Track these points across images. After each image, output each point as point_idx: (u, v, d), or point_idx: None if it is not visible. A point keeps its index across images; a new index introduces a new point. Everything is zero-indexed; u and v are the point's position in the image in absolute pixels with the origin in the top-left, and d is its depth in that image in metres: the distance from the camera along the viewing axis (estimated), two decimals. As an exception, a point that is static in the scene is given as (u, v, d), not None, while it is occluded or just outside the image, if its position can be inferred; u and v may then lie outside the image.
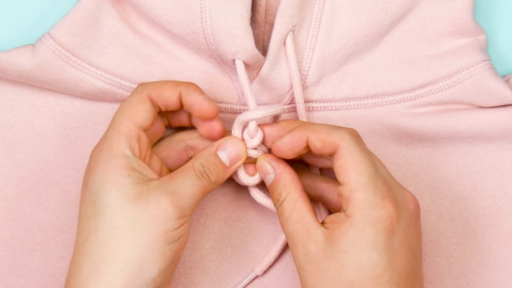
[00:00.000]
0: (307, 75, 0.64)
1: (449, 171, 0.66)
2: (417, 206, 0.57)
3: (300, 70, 0.63)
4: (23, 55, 0.62)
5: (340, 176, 0.56)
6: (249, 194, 0.63)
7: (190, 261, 0.65)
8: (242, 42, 0.60)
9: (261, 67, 0.63)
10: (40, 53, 0.62)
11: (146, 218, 0.55)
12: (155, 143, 0.62)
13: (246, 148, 0.60)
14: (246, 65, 0.61)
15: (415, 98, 0.65)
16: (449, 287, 0.65)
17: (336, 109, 0.65)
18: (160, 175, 0.60)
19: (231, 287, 0.65)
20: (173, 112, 0.61)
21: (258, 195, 0.62)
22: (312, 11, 0.63)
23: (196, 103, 0.59)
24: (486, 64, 0.64)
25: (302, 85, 0.64)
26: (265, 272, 0.65)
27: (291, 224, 0.57)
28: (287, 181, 0.59)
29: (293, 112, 0.65)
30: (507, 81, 0.66)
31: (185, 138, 0.62)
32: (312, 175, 0.63)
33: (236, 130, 0.61)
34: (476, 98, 0.64)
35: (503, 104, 0.64)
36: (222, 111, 0.64)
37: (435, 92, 0.65)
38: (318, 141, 0.57)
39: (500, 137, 0.65)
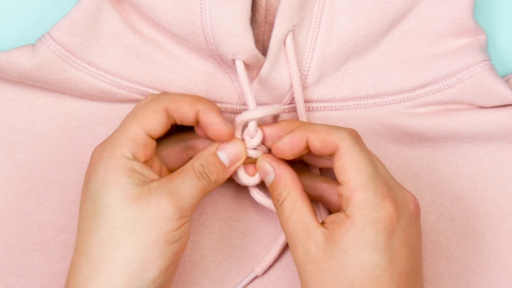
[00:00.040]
0: (307, 75, 0.64)
1: (449, 171, 0.66)
2: (417, 206, 0.57)
3: (300, 70, 0.63)
4: (23, 55, 0.62)
5: (340, 176, 0.56)
6: (249, 194, 0.63)
7: (190, 261, 0.65)
8: (242, 42, 0.60)
9: (261, 67, 0.63)
10: (40, 53, 0.62)
11: (147, 219, 0.55)
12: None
13: (246, 148, 0.61)
14: (246, 65, 0.61)
15: (415, 98, 0.65)
16: (449, 287, 0.65)
17: (336, 109, 0.65)
18: (160, 175, 0.60)
19: (231, 287, 0.65)
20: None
21: (258, 195, 0.62)
22: (312, 11, 0.63)
23: (213, 124, 0.59)
24: (486, 64, 0.64)
25: (302, 85, 0.64)
26: (265, 272, 0.65)
27: (291, 224, 0.57)
28: (287, 181, 0.59)
29: (293, 112, 0.65)
30: (507, 81, 0.66)
31: (185, 138, 0.62)
32: (312, 175, 0.63)
33: (236, 130, 0.61)
34: (476, 98, 0.64)
35: (503, 104, 0.64)
36: (222, 111, 0.64)
37: (435, 92, 0.65)
38: (318, 142, 0.57)
39: (500, 137, 0.65)
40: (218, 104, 0.64)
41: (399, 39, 0.64)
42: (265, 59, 0.62)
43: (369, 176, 0.55)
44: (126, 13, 0.64)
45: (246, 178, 0.61)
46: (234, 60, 0.61)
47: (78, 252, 0.56)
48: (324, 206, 0.63)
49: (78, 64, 0.62)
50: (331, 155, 0.58)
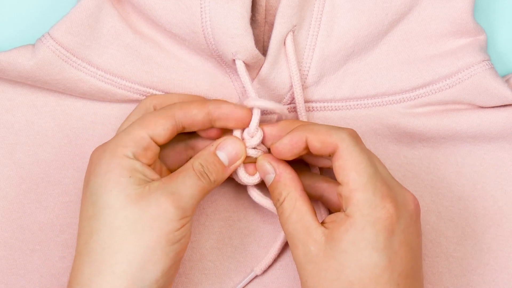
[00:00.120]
0: (307, 75, 0.64)
1: (449, 171, 0.66)
2: (417, 206, 0.57)
3: (300, 70, 0.63)
4: (23, 55, 0.62)
5: (339, 177, 0.56)
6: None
7: (190, 261, 0.65)
8: (242, 42, 0.60)
9: (261, 67, 0.63)
10: (40, 53, 0.62)
11: (147, 219, 0.55)
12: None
13: (245, 147, 0.61)
14: (246, 65, 0.61)
15: (415, 98, 0.65)
16: (449, 287, 0.65)
17: (336, 109, 0.65)
18: (160, 175, 0.60)
19: (231, 287, 0.65)
20: None
21: (256, 195, 0.62)
22: (312, 11, 0.63)
23: (230, 112, 0.59)
24: (486, 64, 0.64)
25: (302, 85, 0.64)
26: (265, 272, 0.65)
27: (291, 224, 0.57)
28: (287, 180, 0.59)
29: (293, 112, 0.65)
30: (507, 81, 0.66)
31: (184, 138, 0.62)
32: (312, 175, 0.63)
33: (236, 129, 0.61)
34: (476, 98, 0.64)
35: (503, 104, 0.64)
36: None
37: (435, 92, 0.65)
38: (318, 142, 0.57)
39: (500, 137, 0.65)
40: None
41: (399, 39, 0.64)
42: (265, 59, 0.62)
43: (368, 176, 0.55)
44: (126, 13, 0.64)
45: (246, 177, 0.61)
46: (234, 60, 0.61)
47: (80, 253, 0.56)
48: (324, 205, 0.63)
49: (78, 64, 0.62)
50: (330, 155, 0.58)
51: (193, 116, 0.59)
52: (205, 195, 0.58)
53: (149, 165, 0.58)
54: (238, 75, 0.63)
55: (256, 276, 0.65)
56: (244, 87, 0.63)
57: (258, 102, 0.60)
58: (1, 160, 0.64)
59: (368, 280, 0.54)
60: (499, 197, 0.65)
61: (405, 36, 0.64)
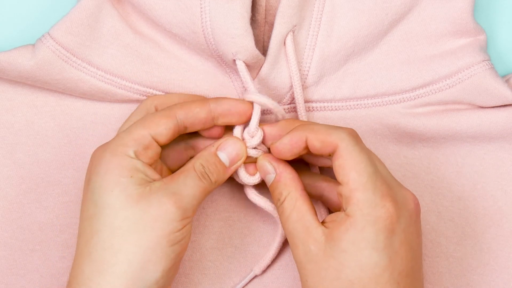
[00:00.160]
0: (307, 75, 0.64)
1: (449, 171, 0.66)
2: (417, 205, 0.57)
3: (300, 70, 0.63)
4: (23, 55, 0.62)
5: (339, 176, 0.56)
6: (250, 194, 0.63)
7: (190, 261, 0.65)
8: (242, 42, 0.60)
9: (261, 67, 0.63)
10: (40, 53, 0.62)
11: (149, 219, 0.55)
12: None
13: (246, 147, 0.61)
14: (246, 65, 0.61)
15: (415, 98, 0.65)
16: (449, 287, 0.65)
17: (336, 109, 0.65)
18: (161, 174, 0.60)
19: (231, 287, 0.65)
20: None
21: (252, 194, 0.62)
22: (312, 11, 0.63)
23: (232, 107, 0.60)
24: (486, 64, 0.64)
25: (302, 85, 0.64)
26: (265, 272, 0.65)
27: (291, 223, 0.57)
28: (287, 180, 0.59)
29: (293, 112, 0.65)
30: (507, 81, 0.66)
31: (185, 137, 0.62)
32: (312, 174, 0.63)
33: (236, 129, 0.61)
34: (476, 98, 0.64)
35: (503, 104, 0.64)
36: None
37: (435, 92, 0.65)
38: (317, 142, 0.57)
39: (500, 137, 0.65)
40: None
41: (399, 39, 0.64)
42: (265, 59, 0.62)
43: (368, 175, 0.55)
44: (126, 13, 0.64)
45: (246, 177, 0.61)
46: (234, 60, 0.61)
47: (80, 252, 0.56)
48: (324, 205, 0.63)
49: (78, 64, 0.62)
50: (330, 155, 0.58)
51: (195, 115, 0.59)
52: (206, 195, 0.58)
53: (150, 165, 0.58)
54: (238, 75, 0.63)
55: (256, 276, 0.65)
56: (244, 86, 0.63)
57: (258, 97, 0.60)
58: (1, 160, 0.64)
59: (368, 279, 0.54)
60: (499, 197, 0.65)
61: (405, 36, 0.64)
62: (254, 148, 0.61)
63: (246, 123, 0.61)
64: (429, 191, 0.66)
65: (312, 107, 0.65)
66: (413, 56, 0.65)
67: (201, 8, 0.60)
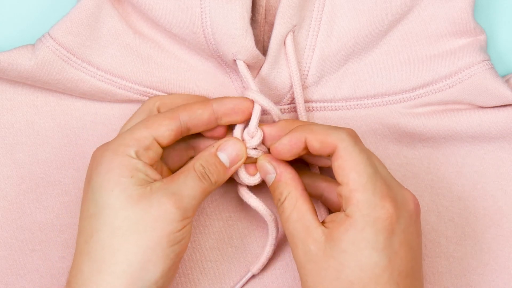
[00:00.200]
0: (307, 75, 0.64)
1: (449, 171, 0.66)
2: (417, 205, 0.57)
3: (300, 70, 0.63)
4: (23, 55, 0.62)
5: (339, 177, 0.56)
6: (250, 194, 0.63)
7: (190, 261, 0.65)
8: (242, 42, 0.60)
9: (261, 67, 0.63)
10: (40, 53, 0.62)
11: (149, 220, 0.55)
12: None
13: (246, 148, 0.61)
14: (247, 65, 0.61)
15: (415, 98, 0.65)
16: (449, 287, 0.65)
17: (336, 109, 0.65)
18: (161, 174, 0.60)
19: (231, 287, 0.65)
20: None
21: (245, 193, 0.62)
22: (312, 11, 0.63)
23: (235, 105, 0.60)
24: (486, 64, 0.64)
25: (302, 85, 0.64)
26: (265, 272, 0.65)
27: (291, 223, 0.57)
28: (288, 180, 0.59)
29: (293, 112, 0.65)
30: (507, 81, 0.66)
31: (185, 137, 0.62)
32: (312, 174, 0.63)
33: (236, 129, 0.61)
34: (476, 98, 0.64)
35: (503, 104, 0.64)
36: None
37: (435, 92, 0.65)
38: (317, 142, 0.57)
39: (500, 137, 0.65)
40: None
41: (399, 39, 0.64)
42: (265, 59, 0.62)
43: (368, 176, 0.55)
44: (126, 13, 0.64)
45: (247, 177, 0.61)
46: (234, 60, 0.61)
47: (79, 252, 0.56)
48: (324, 205, 0.63)
49: (78, 64, 0.62)
50: (330, 156, 0.58)
51: (198, 116, 0.59)
52: (206, 196, 0.58)
53: (151, 165, 0.58)
54: (238, 75, 0.63)
55: (256, 276, 0.65)
56: (244, 86, 0.63)
57: (258, 95, 0.60)
58: (1, 160, 0.64)
59: (368, 280, 0.54)
60: (499, 197, 0.65)
61: (405, 36, 0.64)
62: (254, 148, 0.61)
63: (246, 124, 0.61)
64: (429, 191, 0.66)
65: (312, 107, 0.65)
66: (413, 56, 0.65)
67: (201, 8, 0.60)
